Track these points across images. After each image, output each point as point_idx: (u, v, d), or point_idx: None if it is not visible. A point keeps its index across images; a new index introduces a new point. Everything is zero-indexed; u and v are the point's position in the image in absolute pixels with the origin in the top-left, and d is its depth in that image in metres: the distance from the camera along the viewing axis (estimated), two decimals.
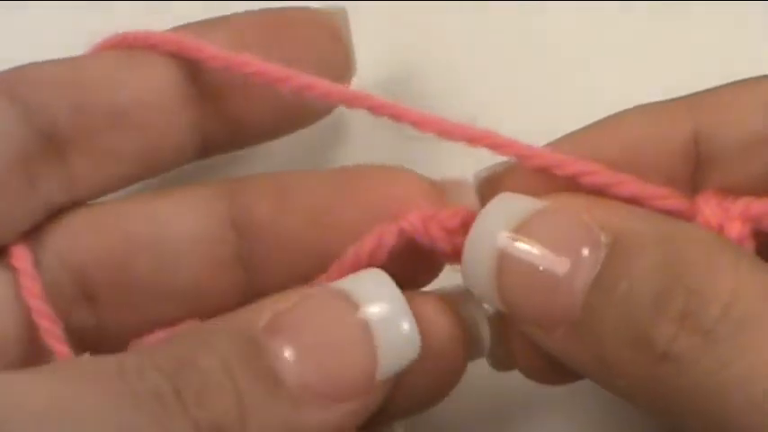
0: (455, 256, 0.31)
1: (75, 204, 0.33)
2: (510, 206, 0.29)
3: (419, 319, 0.29)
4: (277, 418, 0.27)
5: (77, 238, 0.33)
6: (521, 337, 0.30)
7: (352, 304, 0.29)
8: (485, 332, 0.31)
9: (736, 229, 0.29)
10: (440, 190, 0.32)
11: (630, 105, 0.32)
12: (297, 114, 0.35)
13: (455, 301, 0.31)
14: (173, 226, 0.32)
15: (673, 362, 0.26)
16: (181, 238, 0.32)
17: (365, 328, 0.28)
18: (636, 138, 0.30)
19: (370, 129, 0.35)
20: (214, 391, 0.27)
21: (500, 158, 0.32)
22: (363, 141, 0.38)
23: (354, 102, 0.32)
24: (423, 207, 0.31)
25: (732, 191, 0.30)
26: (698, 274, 0.26)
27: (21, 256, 0.32)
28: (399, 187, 0.31)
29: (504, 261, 0.28)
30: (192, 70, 0.33)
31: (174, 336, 0.30)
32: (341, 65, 0.34)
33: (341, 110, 0.35)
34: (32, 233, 0.33)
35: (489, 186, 0.31)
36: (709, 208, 0.30)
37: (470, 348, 0.31)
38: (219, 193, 0.33)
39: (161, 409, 0.26)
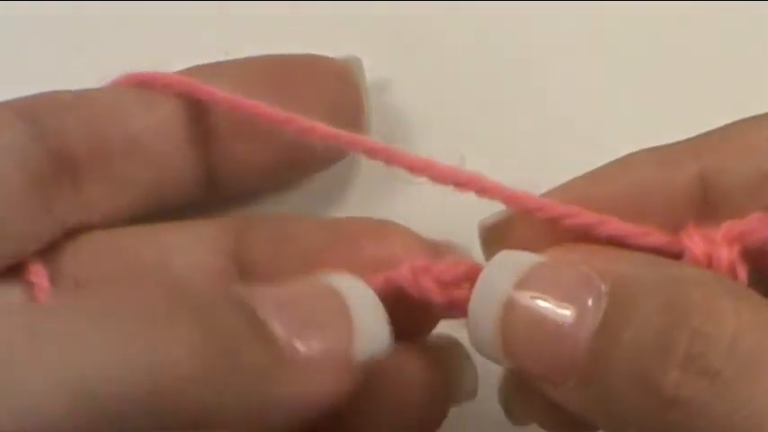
0: (451, 308, 0.31)
1: (88, 228, 0.34)
2: (511, 262, 0.29)
3: (395, 366, 0.30)
4: (262, 365, 0.27)
5: (90, 259, 0.34)
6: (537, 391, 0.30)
7: (332, 289, 0.30)
8: (469, 375, 0.32)
9: (724, 254, 0.29)
10: (433, 250, 0.32)
11: (633, 138, 0.32)
12: (304, 160, 0.36)
13: (437, 347, 0.31)
14: (179, 257, 0.33)
15: (682, 407, 0.25)
16: (185, 269, 0.33)
17: (346, 310, 0.29)
18: (640, 183, 0.30)
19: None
20: (207, 310, 0.27)
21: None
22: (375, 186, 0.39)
23: (351, 145, 0.33)
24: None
25: None
26: (701, 314, 0.26)
27: (37, 273, 0.34)
28: (393, 243, 0.32)
29: (508, 316, 0.28)
30: (201, 110, 0.34)
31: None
32: (351, 109, 0.35)
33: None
34: (47, 252, 0.34)
35: (494, 235, 0.32)
36: (693, 241, 0.29)
37: (454, 392, 0.32)
38: (224, 229, 0.34)
39: (148, 325, 0.26)
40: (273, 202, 0.38)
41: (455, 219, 0.33)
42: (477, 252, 0.33)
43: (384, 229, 0.33)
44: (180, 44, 0.39)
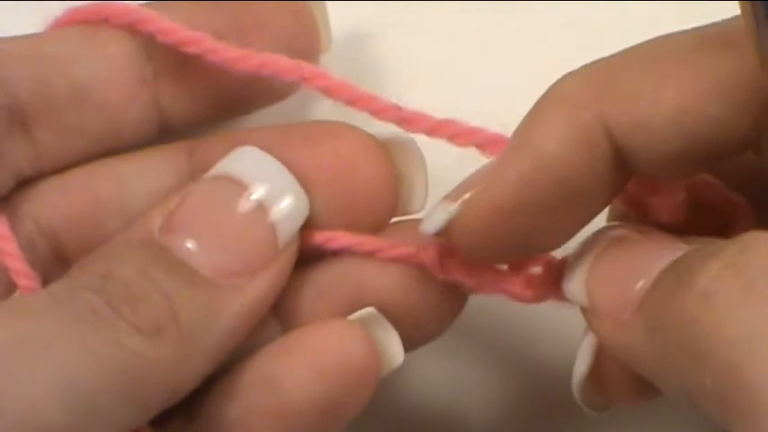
0: (480, 288, 0.32)
1: (41, 175, 0.34)
2: (591, 240, 0.30)
3: (332, 335, 0.31)
4: (202, 307, 0.29)
5: (48, 202, 0.34)
6: (614, 374, 0.31)
7: (237, 185, 0.31)
8: (396, 346, 0.32)
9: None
10: (387, 150, 0.32)
11: None
12: (257, 93, 0.35)
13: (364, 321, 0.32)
14: (137, 184, 0.33)
15: (711, 299, 0.25)
16: (145, 196, 0.33)
17: (256, 204, 0.30)
18: (550, 157, 0.28)
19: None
20: (142, 296, 0.29)
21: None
22: None
23: (310, 81, 0.32)
24: (369, 163, 0.32)
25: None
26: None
27: None
28: (347, 143, 0.32)
29: (591, 281, 0.30)
30: (149, 50, 0.33)
31: (84, 261, 0.31)
32: (305, 43, 0.34)
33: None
34: (4, 201, 0.33)
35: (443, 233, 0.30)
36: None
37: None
38: (177, 150, 0.34)
39: (102, 322, 0.28)
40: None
41: None
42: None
43: (336, 129, 0.33)
44: None
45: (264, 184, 0.31)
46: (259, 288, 0.30)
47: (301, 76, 0.32)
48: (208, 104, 0.34)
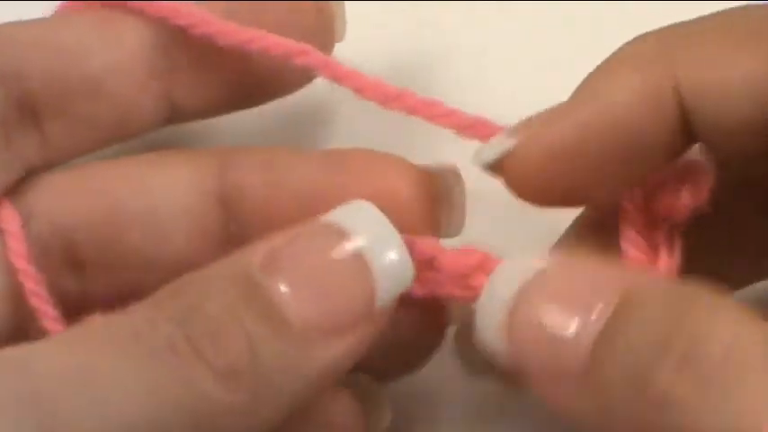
0: (463, 299, 0.31)
1: (50, 166, 0.33)
2: (520, 266, 0.29)
3: (324, 409, 0.31)
4: (286, 358, 0.28)
5: (68, 203, 0.33)
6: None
7: (343, 234, 0.29)
8: (385, 414, 0.32)
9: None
10: (429, 180, 0.32)
11: None
12: (270, 84, 0.34)
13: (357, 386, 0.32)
14: (163, 198, 0.33)
15: (671, 405, 0.25)
16: (171, 211, 0.33)
17: (358, 256, 0.29)
18: (620, 110, 0.29)
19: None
20: (225, 336, 0.27)
21: None
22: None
23: (322, 69, 0.32)
24: (411, 194, 0.31)
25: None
26: (700, 321, 0.26)
27: (8, 218, 0.33)
28: (390, 176, 0.32)
29: (513, 321, 0.28)
30: (163, 40, 0.33)
31: (174, 287, 0.30)
32: (324, 41, 0.34)
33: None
34: (16, 195, 0.33)
35: (492, 169, 0.31)
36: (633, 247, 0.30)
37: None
38: (210, 165, 0.33)
39: (178, 360, 0.27)
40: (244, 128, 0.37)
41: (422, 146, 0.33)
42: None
43: (380, 161, 0.32)
44: None
45: (374, 243, 0.29)
46: (346, 349, 0.29)
47: (310, 62, 0.32)
48: (219, 96, 0.34)
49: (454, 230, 0.33)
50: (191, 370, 0.26)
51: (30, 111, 0.32)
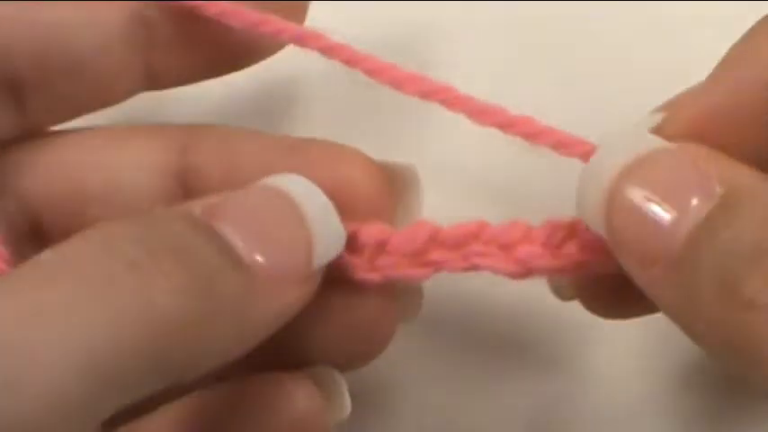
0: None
1: (24, 138, 0.33)
2: (627, 143, 0.28)
3: (280, 394, 0.31)
4: (239, 290, 0.28)
5: (33, 181, 0.33)
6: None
7: (280, 193, 0.30)
8: (345, 401, 0.32)
9: None
10: (386, 174, 0.32)
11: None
12: (243, 52, 0.34)
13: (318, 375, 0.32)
14: (125, 175, 0.33)
15: (755, 312, 0.25)
16: (132, 188, 0.33)
17: (296, 213, 0.29)
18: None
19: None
20: (186, 253, 0.27)
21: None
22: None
23: (306, 41, 0.31)
24: (369, 187, 0.31)
25: None
26: None
27: None
28: (348, 167, 0.32)
29: (613, 200, 0.28)
30: (144, 11, 0.33)
31: (121, 219, 0.29)
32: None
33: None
34: None
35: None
36: None
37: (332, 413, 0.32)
38: (171, 143, 0.33)
39: (138, 279, 0.26)
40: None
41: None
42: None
43: (338, 153, 0.32)
44: None
45: (309, 205, 0.30)
46: (286, 300, 0.29)
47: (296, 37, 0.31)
48: (195, 66, 0.34)
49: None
50: (150, 288, 0.26)
51: (9, 86, 0.32)
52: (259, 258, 0.28)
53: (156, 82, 0.34)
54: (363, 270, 0.31)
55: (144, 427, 0.31)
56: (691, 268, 0.26)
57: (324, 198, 0.30)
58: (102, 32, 0.32)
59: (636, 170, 0.27)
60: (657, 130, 0.29)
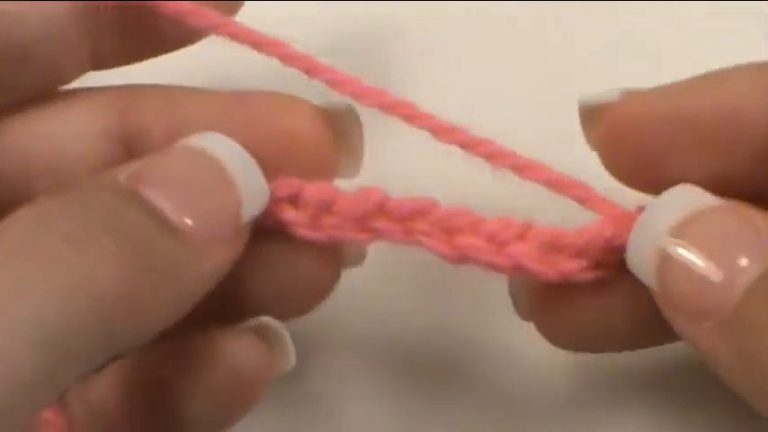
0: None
1: None
2: (678, 201, 0.29)
3: (223, 346, 0.31)
4: (174, 253, 0.28)
5: None
6: (543, 298, 0.32)
7: (203, 153, 0.30)
8: (289, 352, 0.32)
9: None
10: (329, 120, 0.32)
11: None
12: (183, 36, 0.34)
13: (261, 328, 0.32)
14: (67, 144, 0.33)
15: None
16: (75, 157, 0.32)
17: (220, 170, 0.30)
18: (734, 101, 0.29)
19: None
20: (119, 221, 0.27)
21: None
22: None
23: (266, 49, 0.31)
24: (310, 133, 0.31)
25: None
26: None
27: None
28: (290, 119, 0.32)
29: (664, 258, 0.28)
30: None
31: (51, 195, 0.29)
32: None
33: None
34: None
35: (593, 115, 0.31)
36: None
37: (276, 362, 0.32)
38: (112, 107, 0.33)
39: (77, 252, 0.26)
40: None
41: None
42: None
43: (283, 103, 0.32)
44: None
45: (231, 161, 0.30)
46: (218, 259, 0.29)
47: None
48: (139, 50, 0.34)
49: (352, 170, 0.33)
50: (91, 259, 0.26)
51: None
52: (188, 221, 0.28)
53: (99, 65, 0.33)
54: (307, 227, 0.31)
55: (90, 388, 0.32)
56: (748, 324, 0.27)
57: (245, 155, 0.30)
58: (46, 18, 0.31)
59: (687, 228, 0.28)
60: (608, 107, 0.30)
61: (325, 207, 0.31)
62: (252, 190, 0.30)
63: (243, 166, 0.30)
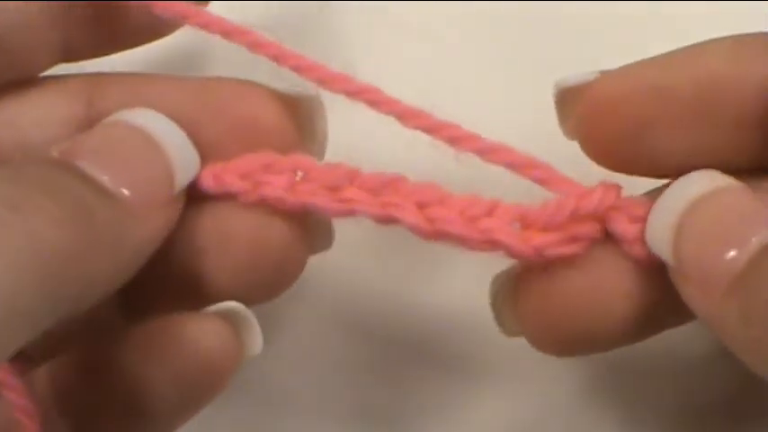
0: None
1: None
2: (696, 180, 0.30)
3: (188, 331, 0.31)
4: (115, 217, 0.29)
5: None
6: (530, 305, 0.32)
7: (132, 126, 0.31)
8: (256, 336, 0.32)
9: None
10: (290, 107, 0.32)
11: None
12: (155, 28, 0.35)
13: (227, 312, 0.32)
14: (34, 132, 0.33)
15: None
16: (42, 145, 0.32)
17: (150, 141, 0.31)
18: (710, 75, 0.30)
19: None
20: (59, 189, 0.28)
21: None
22: None
23: (233, 37, 0.31)
24: (271, 121, 0.32)
25: None
26: None
27: None
28: (252, 106, 0.32)
29: (679, 233, 0.29)
30: None
31: None
32: None
33: None
34: None
35: (573, 96, 0.31)
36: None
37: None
38: (79, 93, 0.33)
39: (19, 217, 0.27)
40: None
41: None
42: None
43: (245, 90, 0.33)
44: None
45: (160, 131, 0.31)
46: (156, 224, 0.30)
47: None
48: (111, 42, 0.34)
49: (316, 155, 0.33)
50: (35, 223, 0.27)
51: None
52: (124, 190, 0.29)
53: (71, 56, 0.34)
54: (283, 190, 0.31)
55: (55, 371, 0.32)
56: (751, 282, 0.27)
57: (173, 126, 0.31)
58: (17, 11, 0.32)
59: (702, 204, 0.29)
60: (586, 86, 0.31)
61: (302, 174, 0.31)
62: (182, 158, 0.31)
63: (171, 135, 0.31)
